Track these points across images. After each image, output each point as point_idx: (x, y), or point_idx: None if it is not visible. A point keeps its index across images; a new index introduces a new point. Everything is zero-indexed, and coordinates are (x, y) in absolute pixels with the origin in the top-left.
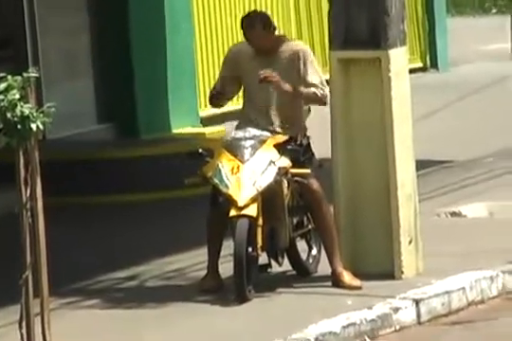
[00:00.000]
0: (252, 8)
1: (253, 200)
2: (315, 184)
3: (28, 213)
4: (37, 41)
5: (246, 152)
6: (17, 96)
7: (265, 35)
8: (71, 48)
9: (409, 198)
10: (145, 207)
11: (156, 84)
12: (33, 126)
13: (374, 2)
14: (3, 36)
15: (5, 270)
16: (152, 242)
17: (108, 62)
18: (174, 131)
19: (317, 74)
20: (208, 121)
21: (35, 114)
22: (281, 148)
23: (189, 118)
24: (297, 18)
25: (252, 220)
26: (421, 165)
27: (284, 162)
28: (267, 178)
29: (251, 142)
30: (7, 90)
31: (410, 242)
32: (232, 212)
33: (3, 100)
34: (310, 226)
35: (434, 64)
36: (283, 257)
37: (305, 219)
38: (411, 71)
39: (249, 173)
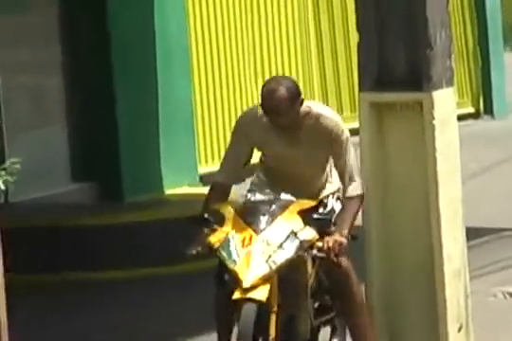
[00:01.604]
0: (264, 54)
1: (265, 280)
2: (344, 260)
3: None
4: None
5: (263, 220)
6: None
7: (292, 112)
8: (40, 90)
9: (457, 275)
10: (131, 286)
11: (145, 134)
12: None
13: (413, 32)
14: None
15: None
16: (140, 329)
17: (86, 108)
18: (168, 192)
19: (358, 172)
20: (209, 180)
21: None
22: (306, 215)
23: (185, 176)
24: (319, 53)
25: (262, 305)
26: (473, 234)
27: (309, 234)
28: (286, 253)
29: (271, 207)
30: None
31: (459, 329)
32: (236, 294)
33: None
34: (334, 313)
35: (489, 110)
36: None
37: (330, 303)
38: (461, 118)
39: (263, 247)
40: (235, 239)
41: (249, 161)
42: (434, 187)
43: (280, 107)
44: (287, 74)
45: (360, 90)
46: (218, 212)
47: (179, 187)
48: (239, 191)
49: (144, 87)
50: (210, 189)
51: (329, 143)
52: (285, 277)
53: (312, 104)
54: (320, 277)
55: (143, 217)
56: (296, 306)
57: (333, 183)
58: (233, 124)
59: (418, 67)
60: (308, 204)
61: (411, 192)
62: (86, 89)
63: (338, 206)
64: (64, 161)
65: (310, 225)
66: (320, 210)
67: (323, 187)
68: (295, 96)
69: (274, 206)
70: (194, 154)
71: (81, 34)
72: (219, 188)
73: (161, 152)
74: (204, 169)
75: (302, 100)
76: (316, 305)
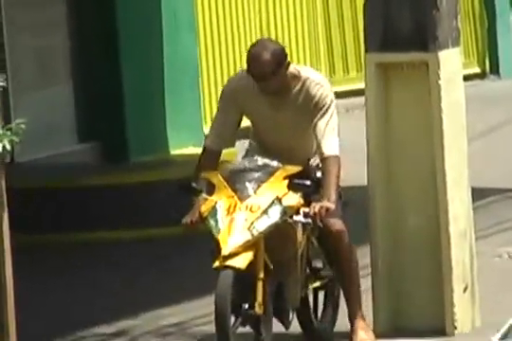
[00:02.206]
0: (269, 13)
1: (247, 247)
2: (338, 224)
3: None
4: (3, 39)
5: (249, 187)
6: None
7: (278, 76)
8: (46, 50)
9: (463, 235)
10: (134, 247)
11: (151, 94)
12: None
13: None
14: None
15: None
16: (144, 289)
17: (92, 68)
18: (173, 152)
19: (335, 133)
20: None
21: (1, 131)
22: (289, 181)
23: (191, 136)
24: (325, 13)
25: (242, 271)
26: (478, 194)
27: (293, 199)
28: (269, 220)
29: (256, 174)
30: None
31: (464, 289)
32: (216, 263)
33: None
34: (327, 278)
35: (495, 70)
36: (290, 318)
37: (323, 268)
38: (467, 78)
39: (246, 214)
40: (222, 207)
41: (239, 125)
42: (440, 147)
43: (265, 71)
44: (293, 34)
45: (366, 50)
46: (208, 180)
47: (184, 147)
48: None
49: (149, 46)
50: (201, 156)
51: (313, 107)
52: (274, 244)
53: (300, 68)
54: (312, 242)
55: (148, 177)
56: (285, 273)
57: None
58: None
59: (424, 27)
60: (294, 169)
61: (417, 153)
62: (91, 49)
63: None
64: (69, 121)
65: (294, 191)
66: (304, 177)
67: (315, 153)
68: (280, 60)
69: (260, 173)
70: (200, 114)
71: None
72: (209, 154)
73: (166, 112)
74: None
75: (289, 64)
76: (307, 271)
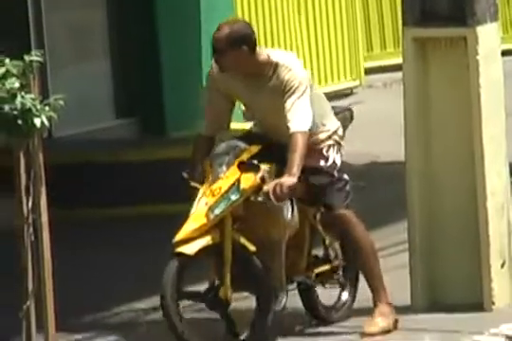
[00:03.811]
0: None
1: (201, 233)
2: (339, 208)
3: (31, 229)
4: (41, 15)
5: (220, 171)
6: (17, 84)
7: (231, 55)
8: (84, 25)
9: (500, 209)
10: (171, 221)
11: (188, 71)
12: (37, 121)
13: None
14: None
15: (2, 299)
16: None
17: (129, 43)
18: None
19: (304, 111)
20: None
21: (39, 106)
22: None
23: None
24: None
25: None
26: None
27: (249, 180)
28: (226, 203)
29: (227, 157)
30: (4, 77)
31: (502, 264)
32: (171, 250)
33: (0, 89)
34: (338, 262)
35: None
36: (281, 301)
37: (332, 253)
38: (505, 53)
39: (208, 198)
40: (200, 193)
41: (231, 110)
42: (478, 122)
43: (217, 46)
44: (330, 10)
45: (404, 25)
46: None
47: None
48: None
49: (187, 22)
50: (195, 142)
51: (283, 89)
52: (256, 225)
53: (272, 52)
54: (316, 227)
55: (185, 152)
56: (269, 256)
57: (323, 132)
58: None
59: (462, 2)
60: (255, 149)
61: (455, 129)
62: (129, 25)
63: (338, 159)
64: (107, 97)
65: (246, 171)
66: (322, 163)
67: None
68: (236, 39)
69: (230, 156)
70: None
71: None
72: (201, 141)
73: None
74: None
75: (254, 47)
76: (309, 256)
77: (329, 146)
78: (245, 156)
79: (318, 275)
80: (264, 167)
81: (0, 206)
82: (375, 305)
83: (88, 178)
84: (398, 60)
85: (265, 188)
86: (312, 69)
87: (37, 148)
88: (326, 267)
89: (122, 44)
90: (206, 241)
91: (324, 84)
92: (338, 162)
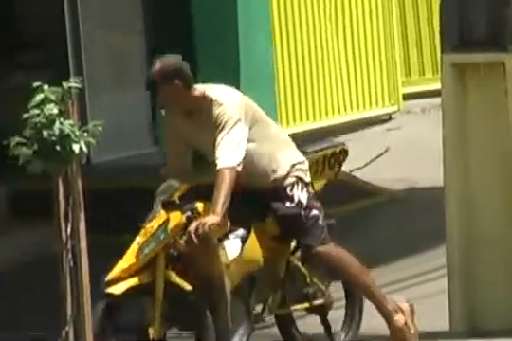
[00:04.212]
0: (345, 13)
1: (130, 273)
2: (318, 246)
3: (69, 255)
4: (80, 42)
5: (157, 211)
6: (55, 110)
7: (163, 89)
8: (122, 52)
9: None
10: None
11: None
12: (75, 147)
13: None
14: (37, 35)
15: (42, 324)
16: None
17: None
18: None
19: (232, 146)
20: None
21: (77, 132)
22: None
23: None
24: (401, 14)
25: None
26: None
27: (176, 220)
28: (154, 243)
29: (164, 197)
30: (43, 103)
31: None
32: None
33: (38, 115)
34: (322, 301)
35: None
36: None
37: (313, 291)
38: None
39: (140, 238)
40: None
41: (190, 150)
42: None
43: (151, 81)
44: (369, 34)
45: (442, 51)
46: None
47: None
48: None
49: (226, 49)
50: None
51: (214, 125)
52: (194, 263)
53: (210, 88)
54: (294, 264)
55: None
56: (210, 297)
57: (278, 171)
58: (315, 84)
59: (501, 28)
60: (184, 187)
61: (494, 154)
62: (167, 50)
63: (304, 197)
64: (145, 123)
65: (167, 211)
66: (288, 204)
67: (267, 173)
68: (169, 73)
69: (166, 196)
70: (276, 115)
71: None
72: (162, 181)
73: None
74: (284, 130)
75: (188, 82)
76: (282, 292)
77: (292, 184)
78: (176, 195)
79: (310, 308)
80: (194, 205)
81: (40, 232)
82: (389, 324)
83: (126, 204)
84: (437, 85)
85: (189, 228)
86: (350, 95)
87: (75, 174)
88: (305, 305)
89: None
90: (135, 281)
91: (363, 110)
92: (304, 200)
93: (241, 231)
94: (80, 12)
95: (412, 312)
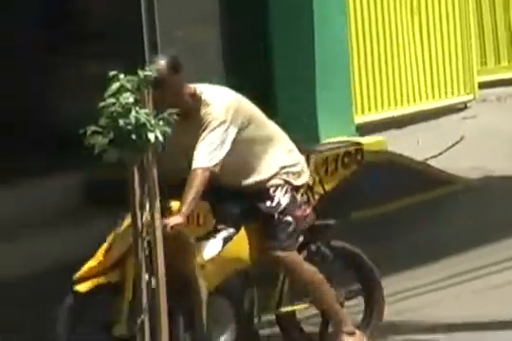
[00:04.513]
0: (421, 3)
1: (98, 270)
2: (278, 252)
3: (145, 243)
4: (155, 31)
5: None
6: (131, 99)
7: (166, 87)
8: (197, 41)
9: None
10: None
11: (301, 84)
12: (151, 136)
13: None
14: (114, 26)
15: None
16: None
17: (242, 58)
18: (324, 141)
19: (211, 147)
20: (365, 130)
21: (153, 121)
22: None
23: (341, 126)
24: (477, 1)
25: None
26: None
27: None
28: (122, 242)
29: None
30: (119, 92)
31: None
32: None
33: (114, 104)
34: (305, 305)
35: None
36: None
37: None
38: None
39: (115, 235)
40: None
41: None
42: None
43: (159, 75)
44: (445, 23)
45: None
46: None
47: (335, 136)
48: None
49: (300, 37)
50: None
51: (202, 126)
52: (169, 261)
53: (199, 87)
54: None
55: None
56: (184, 297)
57: (265, 172)
58: (390, 73)
59: None
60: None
61: None
62: (243, 45)
63: (284, 201)
64: None
65: None
66: (268, 203)
67: (255, 174)
68: (174, 68)
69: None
70: (350, 106)
71: None
72: None
73: (317, 102)
74: (360, 118)
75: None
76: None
77: (276, 186)
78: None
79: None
80: (167, 204)
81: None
82: (336, 337)
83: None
84: None
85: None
86: (426, 84)
87: (151, 162)
88: (294, 307)
89: (235, 59)
90: (102, 279)
91: (438, 99)
92: (284, 203)
93: (228, 231)
94: (155, 2)
95: None
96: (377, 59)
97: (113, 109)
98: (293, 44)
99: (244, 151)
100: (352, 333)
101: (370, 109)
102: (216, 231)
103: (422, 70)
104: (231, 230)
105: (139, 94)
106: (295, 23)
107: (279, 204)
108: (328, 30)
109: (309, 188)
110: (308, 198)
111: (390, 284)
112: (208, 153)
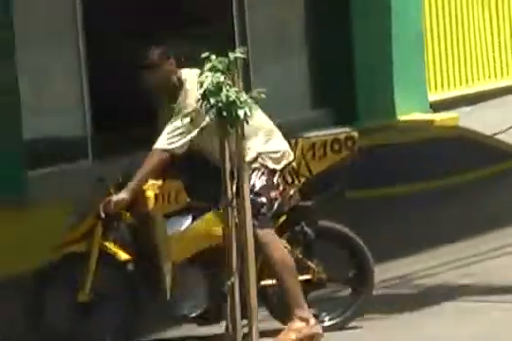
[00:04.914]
0: None
1: (71, 237)
2: (256, 234)
3: (235, 211)
4: (244, 14)
5: None
6: (222, 78)
7: (155, 70)
8: (283, 23)
9: None
10: (361, 204)
11: (379, 64)
12: (240, 112)
13: None
14: (206, 10)
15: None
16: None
17: (325, 39)
18: (400, 117)
19: (173, 130)
20: (439, 106)
21: (242, 99)
22: None
23: (416, 103)
24: None
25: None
26: None
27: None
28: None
29: None
30: (210, 72)
31: None
32: None
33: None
34: (307, 277)
35: None
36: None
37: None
38: None
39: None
40: None
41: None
42: None
43: (149, 61)
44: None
45: None
46: None
47: (411, 113)
48: None
49: (378, 23)
50: None
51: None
52: (138, 235)
53: (186, 73)
54: None
55: (377, 140)
56: (154, 262)
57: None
58: (462, 51)
59: None
60: None
61: None
62: (325, 22)
63: (259, 183)
64: (303, 90)
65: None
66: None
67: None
68: (166, 53)
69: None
70: (424, 84)
71: None
72: None
73: (393, 80)
74: (433, 96)
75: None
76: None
77: (253, 169)
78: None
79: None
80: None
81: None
82: (289, 320)
83: None
84: None
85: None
86: (495, 62)
87: (240, 136)
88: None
89: (318, 40)
90: (73, 248)
91: (506, 77)
92: (258, 185)
93: (200, 208)
94: None
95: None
96: (450, 38)
97: (205, 87)
98: (371, 30)
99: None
100: (305, 320)
101: (443, 87)
102: (190, 208)
103: (491, 49)
104: (204, 208)
105: (230, 73)
106: (373, 10)
107: (254, 185)
108: (404, 14)
109: (294, 171)
110: (293, 180)
111: (466, 248)
112: (169, 137)
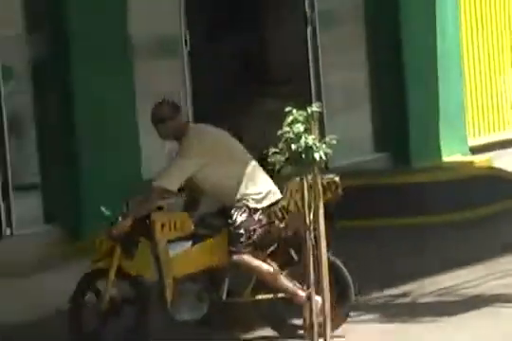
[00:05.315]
0: None
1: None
2: (233, 256)
3: (312, 235)
4: (320, 77)
5: None
6: (301, 128)
7: (167, 123)
8: (350, 83)
9: None
10: (414, 230)
11: (428, 113)
12: (316, 156)
13: None
14: (288, 74)
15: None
16: (424, 261)
17: (383, 94)
18: (445, 159)
19: (171, 170)
20: (477, 150)
21: (318, 144)
22: None
23: (458, 147)
24: None
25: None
26: None
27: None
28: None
29: None
30: (292, 123)
31: None
32: None
33: (289, 132)
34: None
35: None
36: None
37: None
38: None
39: None
40: None
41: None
42: None
43: (159, 116)
44: None
45: None
46: None
47: (453, 155)
48: None
49: (429, 77)
50: None
51: None
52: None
53: (192, 126)
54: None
55: (427, 178)
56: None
57: (229, 199)
58: (499, 104)
59: None
60: None
61: None
62: (382, 81)
63: (239, 219)
64: (367, 136)
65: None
66: (229, 220)
67: (226, 198)
68: (176, 109)
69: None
70: (465, 129)
71: (378, 39)
72: None
73: (440, 127)
74: (473, 141)
75: (175, 119)
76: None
77: (236, 208)
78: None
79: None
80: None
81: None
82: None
83: (353, 197)
84: None
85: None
86: None
87: (316, 175)
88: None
89: (377, 95)
90: (98, 265)
91: None
92: (238, 221)
93: (202, 235)
94: (320, 57)
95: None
96: (489, 90)
97: (288, 136)
98: (422, 83)
99: (216, 182)
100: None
101: (479, 133)
102: (194, 235)
103: None
104: (206, 235)
105: (308, 124)
106: (423, 64)
107: (235, 221)
108: (445, 63)
109: (284, 208)
110: (283, 216)
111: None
112: (167, 177)
